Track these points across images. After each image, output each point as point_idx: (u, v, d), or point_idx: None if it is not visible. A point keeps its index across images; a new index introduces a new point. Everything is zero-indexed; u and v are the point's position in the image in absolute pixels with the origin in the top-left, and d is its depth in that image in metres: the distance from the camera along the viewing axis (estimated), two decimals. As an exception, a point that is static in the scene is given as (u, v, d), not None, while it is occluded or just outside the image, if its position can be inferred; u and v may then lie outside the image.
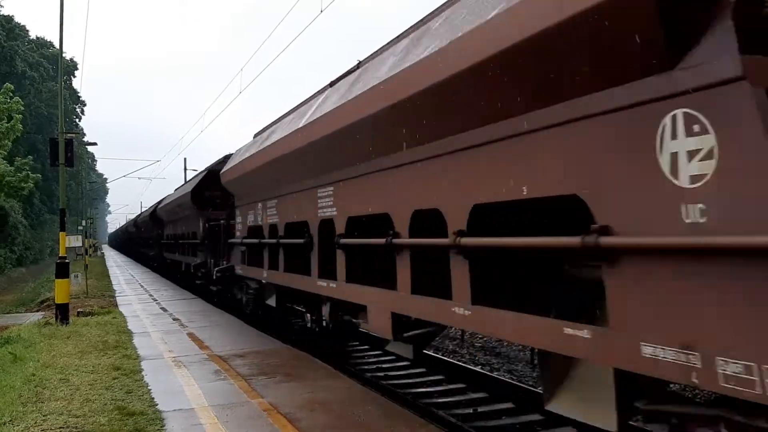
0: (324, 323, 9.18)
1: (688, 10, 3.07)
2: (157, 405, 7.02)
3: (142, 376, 8.53)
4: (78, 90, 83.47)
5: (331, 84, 8.61)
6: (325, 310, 8.88)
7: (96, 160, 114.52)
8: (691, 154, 3.11)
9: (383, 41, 7.27)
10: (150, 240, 36.86)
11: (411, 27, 6.60)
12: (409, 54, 5.78)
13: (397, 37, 6.88)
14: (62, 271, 14.88)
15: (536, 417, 7.66)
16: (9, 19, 66.06)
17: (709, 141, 3.02)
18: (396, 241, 6.15)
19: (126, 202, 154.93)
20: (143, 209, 57.35)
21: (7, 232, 49.78)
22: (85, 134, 78.46)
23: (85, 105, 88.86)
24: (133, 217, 71.60)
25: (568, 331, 3.93)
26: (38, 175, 30.51)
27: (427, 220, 5.69)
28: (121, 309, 17.32)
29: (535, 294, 4.89)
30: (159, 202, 32.13)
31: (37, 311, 21.03)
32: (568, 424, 7.15)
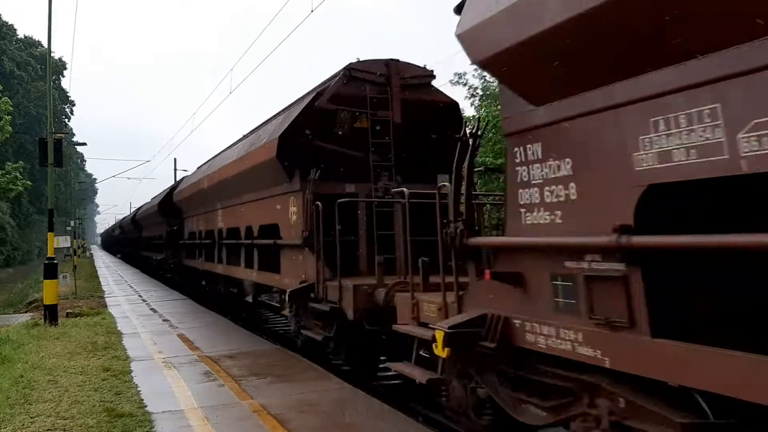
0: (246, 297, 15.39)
1: (291, 164, 9.37)
2: (146, 406, 7.00)
3: (132, 378, 8.49)
4: (67, 90, 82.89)
5: (237, 141, 14.76)
6: (222, 284, 15.81)
7: (85, 161, 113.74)
8: (293, 213, 9.42)
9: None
10: (131, 240, 45.03)
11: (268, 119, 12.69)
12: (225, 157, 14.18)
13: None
14: (50, 271, 14.76)
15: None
16: (-4, 17, 65.55)
17: (297, 210, 9.26)
18: (239, 241, 12.78)
19: (115, 202, 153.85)
20: (132, 210, 57.10)
21: (-6, 232, 49.40)
22: (74, 134, 77.99)
23: (74, 105, 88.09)
24: (121, 218, 71.27)
25: (276, 276, 10.44)
26: (28, 182, 30.30)
27: (252, 232, 11.92)
28: (111, 310, 17.23)
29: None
30: (137, 210, 40.42)
31: (26, 312, 20.86)
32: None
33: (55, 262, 15.30)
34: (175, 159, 53.84)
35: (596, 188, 3.77)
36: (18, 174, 27.79)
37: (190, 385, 8.05)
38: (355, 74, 9.39)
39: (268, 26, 18.93)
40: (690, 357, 3.15)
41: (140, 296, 21.72)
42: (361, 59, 9.64)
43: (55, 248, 15.92)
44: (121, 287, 26.44)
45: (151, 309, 17.43)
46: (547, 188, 4.20)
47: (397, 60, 9.63)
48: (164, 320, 14.86)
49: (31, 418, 6.61)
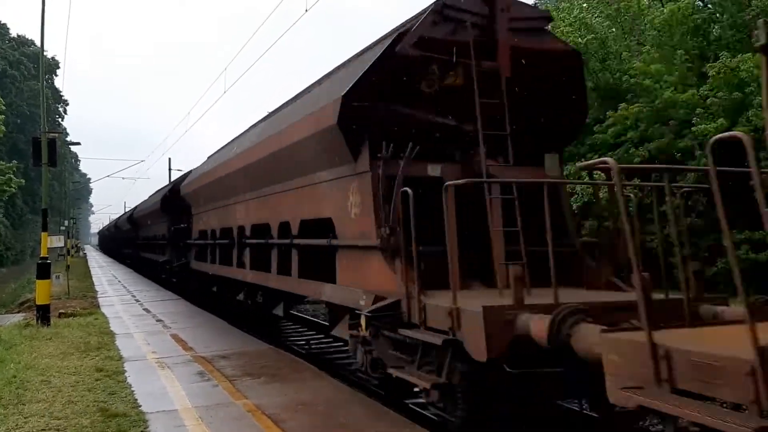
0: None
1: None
2: (140, 406, 6.97)
3: (125, 378, 8.46)
4: (60, 89, 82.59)
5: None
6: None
7: (79, 160, 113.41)
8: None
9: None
10: (116, 241, 52.19)
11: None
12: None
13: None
14: (43, 271, 14.69)
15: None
16: (-11, 17, 65.27)
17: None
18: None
19: (109, 202, 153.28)
20: (126, 210, 56.96)
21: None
22: (68, 134, 77.62)
23: (67, 104, 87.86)
24: (116, 217, 71.07)
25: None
26: (21, 180, 30.23)
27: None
28: (104, 310, 17.16)
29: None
30: (113, 222, 51.18)
31: (18, 312, 20.78)
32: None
33: (48, 262, 15.23)
34: (169, 159, 53.74)
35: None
36: (12, 175, 27.71)
37: (184, 385, 8.02)
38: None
39: (261, 27, 18.92)
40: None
41: (133, 296, 21.65)
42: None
43: (48, 248, 15.86)
44: (114, 287, 26.35)
45: (144, 309, 17.38)
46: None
47: None
48: (157, 320, 14.81)
49: (25, 418, 6.58)
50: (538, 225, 5.38)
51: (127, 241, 43.88)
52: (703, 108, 16.07)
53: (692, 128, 15.97)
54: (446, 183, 5.62)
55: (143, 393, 7.59)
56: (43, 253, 15.41)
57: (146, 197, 33.89)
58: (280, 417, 6.42)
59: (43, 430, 6.21)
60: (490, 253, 6.33)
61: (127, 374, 8.70)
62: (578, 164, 7.66)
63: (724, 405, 3.31)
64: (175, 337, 12.12)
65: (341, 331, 7.62)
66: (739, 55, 15.75)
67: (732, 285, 3.24)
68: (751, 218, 11.95)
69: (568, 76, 7.46)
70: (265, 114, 12.78)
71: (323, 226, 8.12)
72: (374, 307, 6.20)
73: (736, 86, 15.72)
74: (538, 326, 4.71)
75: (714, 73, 15.99)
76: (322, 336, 13.52)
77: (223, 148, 15.67)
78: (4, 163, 30.00)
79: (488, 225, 6.16)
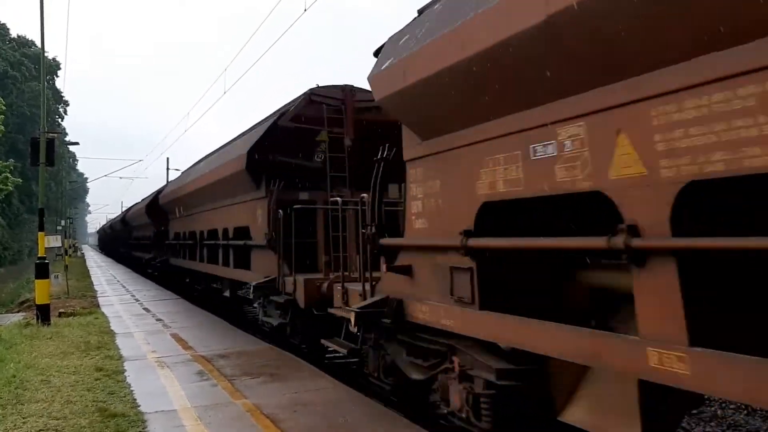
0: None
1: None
2: (139, 406, 6.99)
3: (125, 377, 8.47)
4: (61, 89, 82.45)
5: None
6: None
7: (77, 160, 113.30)
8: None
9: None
10: (121, 240, 47.78)
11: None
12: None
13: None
14: (42, 271, 14.69)
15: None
16: (-11, 17, 65.29)
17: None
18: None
19: (106, 201, 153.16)
20: (123, 209, 56.88)
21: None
22: (67, 134, 77.61)
23: (68, 105, 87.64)
24: (113, 217, 71.02)
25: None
26: (18, 179, 30.17)
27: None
28: (103, 309, 17.15)
29: None
30: (119, 216, 47.70)
31: (18, 312, 20.77)
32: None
33: (47, 261, 15.22)
34: (167, 158, 53.71)
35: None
36: (8, 174, 27.68)
37: (183, 384, 8.03)
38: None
39: (260, 27, 18.89)
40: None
41: (133, 296, 21.63)
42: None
43: (45, 248, 15.85)
44: (113, 287, 26.32)
45: (144, 308, 17.37)
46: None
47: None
48: (157, 320, 14.81)
49: (23, 418, 6.58)
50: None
51: (141, 241, 31.66)
52: None
53: None
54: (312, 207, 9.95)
55: (142, 393, 7.60)
56: (41, 252, 15.40)
57: (142, 197, 32.93)
58: (279, 417, 6.43)
59: (41, 430, 6.21)
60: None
61: (126, 374, 8.71)
62: None
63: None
64: (174, 336, 12.13)
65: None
66: None
67: None
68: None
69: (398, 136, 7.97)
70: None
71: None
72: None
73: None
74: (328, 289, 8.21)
75: None
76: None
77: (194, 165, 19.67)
78: (1, 161, 29.98)
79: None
